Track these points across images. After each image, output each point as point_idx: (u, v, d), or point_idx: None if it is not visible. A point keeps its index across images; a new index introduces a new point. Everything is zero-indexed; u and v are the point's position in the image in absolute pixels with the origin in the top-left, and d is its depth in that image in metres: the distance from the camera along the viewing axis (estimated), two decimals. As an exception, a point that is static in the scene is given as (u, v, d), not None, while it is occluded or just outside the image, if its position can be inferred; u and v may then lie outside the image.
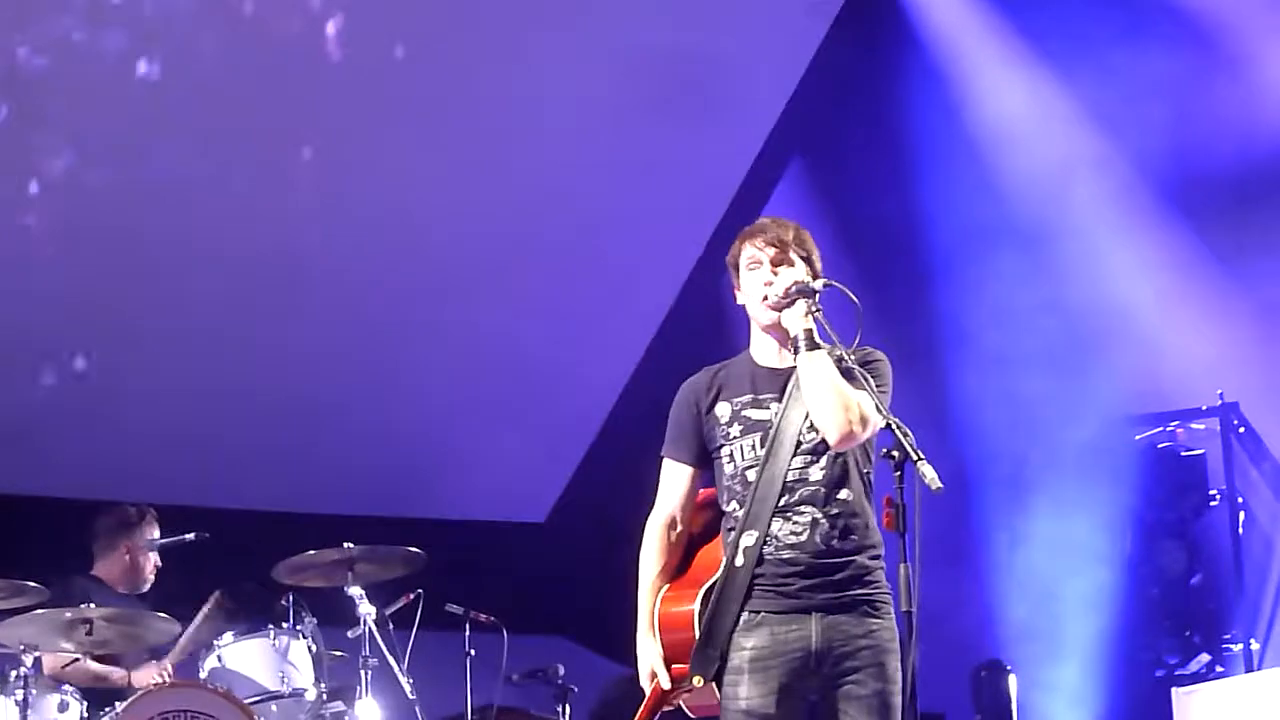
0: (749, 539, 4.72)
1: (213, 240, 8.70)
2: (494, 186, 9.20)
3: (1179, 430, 9.20)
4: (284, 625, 7.05)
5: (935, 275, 9.62)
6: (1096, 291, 9.38)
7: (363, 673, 6.92)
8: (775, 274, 4.82)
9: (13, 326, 8.48)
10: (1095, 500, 9.05)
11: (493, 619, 8.13)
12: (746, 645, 4.70)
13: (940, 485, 4.40)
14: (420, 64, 8.81)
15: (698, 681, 4.74)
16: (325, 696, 6.99)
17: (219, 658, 6.94)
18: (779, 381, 4.82)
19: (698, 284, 9.63)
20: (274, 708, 6.90)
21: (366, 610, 6.96)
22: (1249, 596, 8.90)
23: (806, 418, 4.75)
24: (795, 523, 4.72)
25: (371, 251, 9.09)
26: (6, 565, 6.72)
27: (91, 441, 8.78)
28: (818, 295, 4.75)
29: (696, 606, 4.77)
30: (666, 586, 4.87)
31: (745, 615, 4.72)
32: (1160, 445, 9.19)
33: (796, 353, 4.72)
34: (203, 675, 6.90)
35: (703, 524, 4.95)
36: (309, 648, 7.03)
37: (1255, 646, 8.77)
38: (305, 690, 6.94)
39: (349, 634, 7.03)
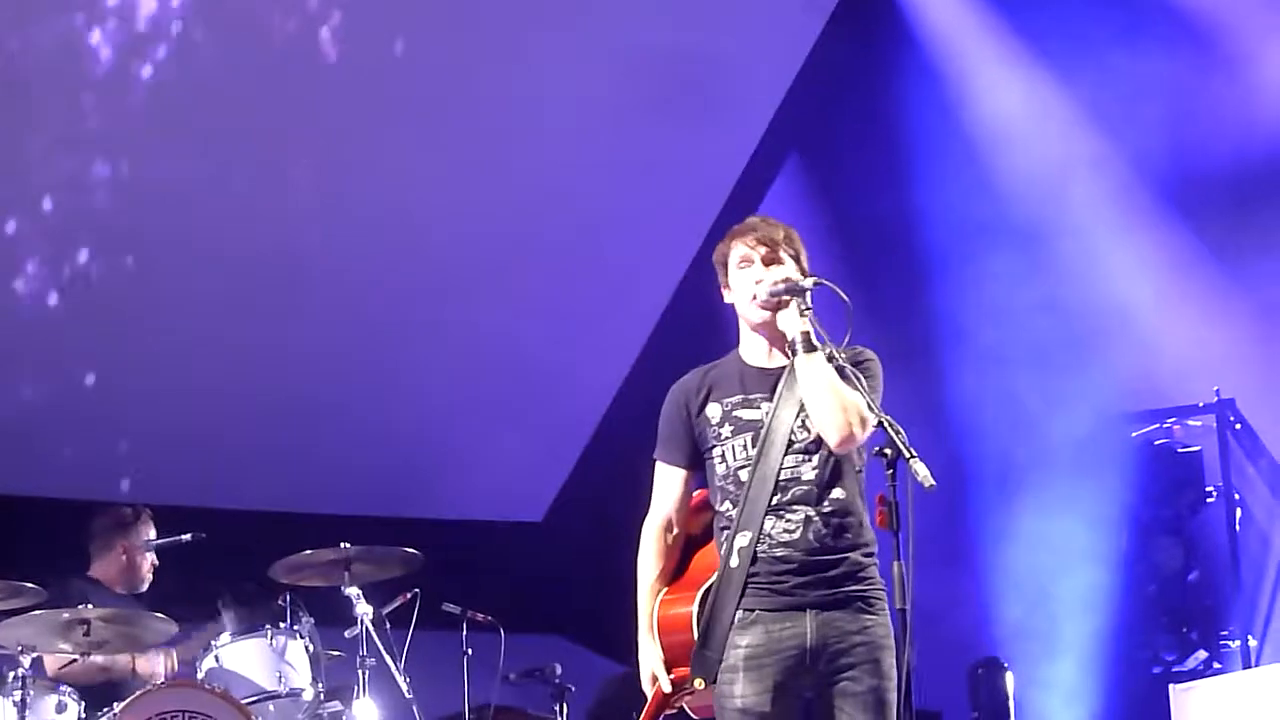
0: (743, 539, 4.73)
1: (211, 239, 8.70)
2: (491, 187, 9.21)
3: (1176, 427, 9.21)
4: (281, 625, 7.04)
5: (931, 273, 9.63)
6: (1093, 290, 9.39)
7: (360, 672, 6.92)
8: (766, 273, 4.82)
9: (11, 326, 8.49)
10: (1092, 497, 9.05)
11: (490, 618, 8.14)
12: (741, 643, 4.71)
13: (933, 483, 4.41)
14: (419, 64, 8.82)
15: (699, 684, 4.74)
16: (322, 696, 6.99)
17: (216, 658, 6.93)
18: (769, 381, 4.83)
19: (693, 283, 9.63)
20: (271, 708, 6.89)
21: (364, 610, 6.96)
22: (1246, 593, 8.90)
23: (798, 416, 4.76)
24: (788, 521, 4.73)
25: (369, 251, 9.10)
26: (4, 566, 6.72)
27: (89, 442, 8.78)
28: (808, 294, 4.75)
29: (695, 609, 4.78)
30: (665, 589, 4.88)
31: (740, 614, 4.72)
32: (1157, 442, 9.19)
33: (794, 354, 4.72)
34: (200, 675, 6.90)
35: (700, 526, 4.95)
36: (306, 647, 7.03)
37: (1253, 643, 8.77)
38: (302, 690, 6.94)
39: (346, 634, 7.03)
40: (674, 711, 4.88)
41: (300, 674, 6.97)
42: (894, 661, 4.75)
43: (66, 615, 6.51)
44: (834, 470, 4.76)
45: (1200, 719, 7.60)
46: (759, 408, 4.81)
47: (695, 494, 4.97)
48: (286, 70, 8.61)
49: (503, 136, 9.15)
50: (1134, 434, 9.21)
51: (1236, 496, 8.97)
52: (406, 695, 7.03)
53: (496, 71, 8.98)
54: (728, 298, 4.94)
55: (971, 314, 9.39)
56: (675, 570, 4.93)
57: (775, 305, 4.79)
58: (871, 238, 9.60)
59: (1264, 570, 9.05)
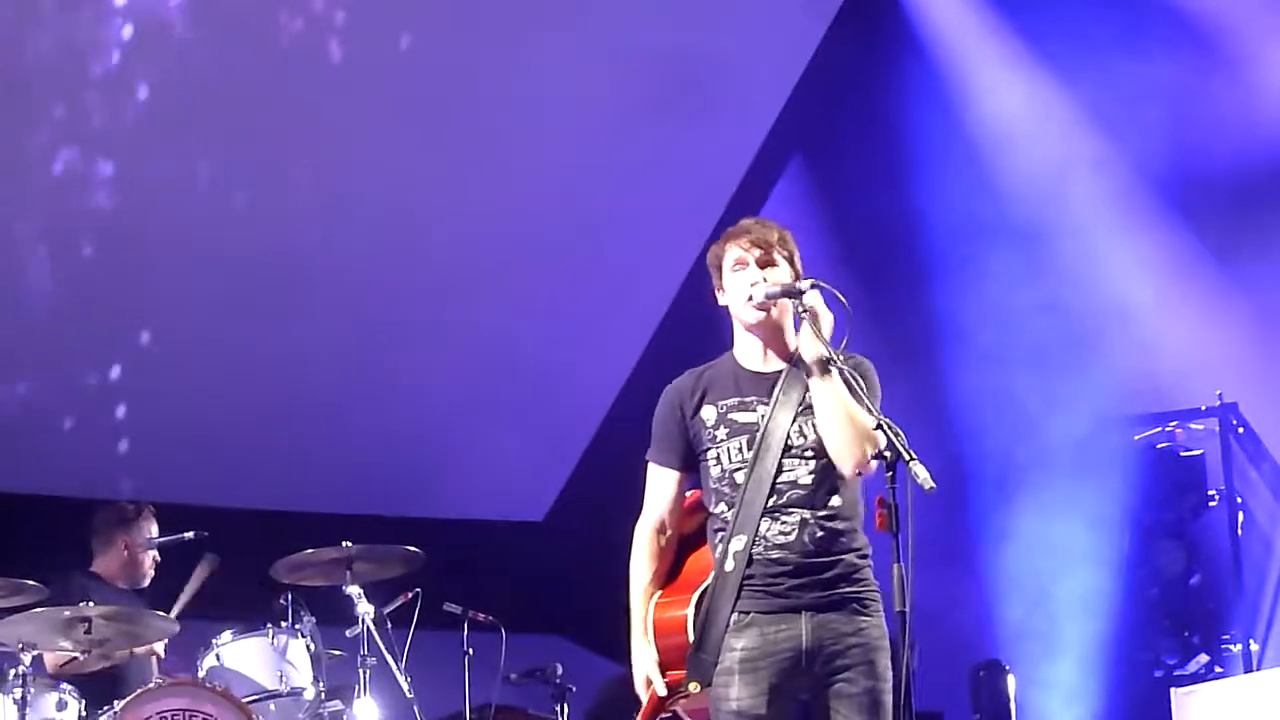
0: (738, 543, 4.72)
1: (212, 238, 8.70)
2: (492, 187, 9.21)
3: (1178, 430, 9.20)
4: (282, 624, 7.04)
5: (933, 274, 9.63)
6: (1095, 291, 9.38)
7: (361, 672, 6.91)
8: (761, 275, 4.81)
9: (12, 326, 8.49)
10: (1093, 500, 9.04)
11: (491, 618, 8.13)
12: (737, 646, 4.70)
13: (933, 485, 4.40)
14: (420, 64, 8.82)
15: (694, 687, 4.73)
16: (323, 695, 6.99)
17: (217, 656, 6.94)
18: (765, 384, 4.82)
19: (695, 284, 9.57)
20: (272, 706, 6.89)
21: (365, 609, 6.94)
22: (1248, 597, 8.89)
23: (795, 420, 4.76)
24: (784, 523, 4.73)
25: (370, 251, 9.10)
26: (5, 563, 6.72)
27: (91, 439, 8.78)
28: (804, 296, 4.74)
29: (690, 612, 4.76)
30: (659, 592, 4.86)
31: (735, 616, 4.71)
32: (1159, 445, 9.19)
33: (809, 375, 4.70)
34: (201, 674, 6.90)
35: (693, 527, 4.94)
36: (307, 646, 7.03)
37: (1254, 647, 8.77)
38: (303, 689, 6.94)
39: (347, 633, 7.02)
40: (669, 715, 4.87)
41: (301, 673, 6.97)
42: (889, 663, 4.75)
43: (68, 613, 6.51)
44: (829, 474, 4.76)
45: (1201, 722, 7.61)
46: (755, 410, 4.80)
47: (688, 495, 4.97)
48: (287, 71, 8.61)
49: (504, 137, 9.15)
50: (1136, 437, 9.21)
51: (1239, 500, 8.97)
52: (407, 695, 7.03)
53: (497, 72, 8.98)
54: (721, 300, 4.93)
55: (972, 315, 9.38)
56: (669, 573, 4.92)
57: (777, 307, 4.79)
58: (873, 238, 9.61)
59: (1266, 574, 9.04)
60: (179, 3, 8.23)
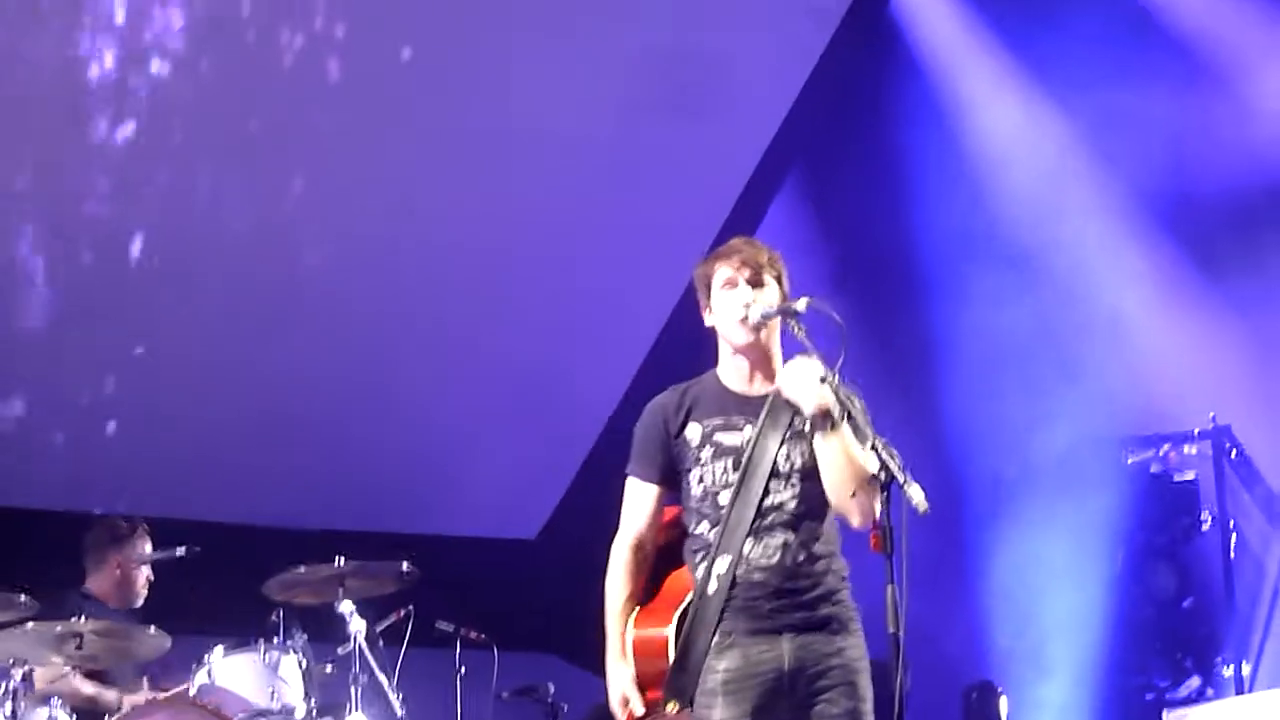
0: (722, 564, 4.72)
1: (207, 255, 8.70)
2: (487, 206, 9.21)
3: (1171, 453, 9.21)
4: (274, 640, 7.03)
5: (927, 293, 9.64)
6: (1089, 312, 9.40)
7: (353, 689, 6.90)
8: (752, 295, 4.81)
9: (6, 340, 8.48)
10: (1086, 522, 9.06)
11: (483, 636, 8.14)
12: (719, 667, 4.70)
13: (927, 507, 4.40)
14: (418, 76, 8.82)
15: (672, 708, 4.72)
16: (315, 712, 6.97)
17: (209, 673, 6.92)
18: (751, 406, 4.82)
19: (691, 301, 9.58)
20: (263, 723, 6.89)
21: (357, 626, 6.94)
22: (1240, 620, 8.90)
23: (782, 445, 4.76)
24: (767, 545, 4.73)
25: (365, 268, 9.09)
26: (-3, 577, 6.71)
27: (84, 454, 8.77)
28: (799, 315, 4.74)
29: (671, 632, 4.75)
30: (637, 611, 4.84)
31: (717, 637, 4.71)
32: (1152, 468, 9.20)
33: (813, 431, 4.68)
34: (192, 691, 6.88)
35: (665, 542, 4.91)
36: (299, 663, 7.02)
37: (1246, 670, 8.77)
38: (295, 706, 6.91)
39: (339, 650, 7.02)
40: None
41: (293, 690, 6.95)
42: (869, 683, 4.76)
43: (59, 628, 6.50)
44: (813, 498, 4.76)
45: (1193, 745, 7.61)
46: (740, 431, 4.80)
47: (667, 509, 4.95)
48: (286, 85, 8.61)
49: (501, 152, 9.14)
50: (1129, 459, 9.22)
51: (1231, 523, 8.98)
52: (399, 713, 7.02)
53: (495, 83, 8.98)
54: (708, 320, 4.93)
55: (965, 334, 9.40)
56: (646, 589, 4.89)
57: (761, 326, 4.79)
58: (868, 255, 9.63)
59: (1258, 597, 9.05)
60: (177, 17, 8.22)
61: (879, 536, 4.50)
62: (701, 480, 4.80)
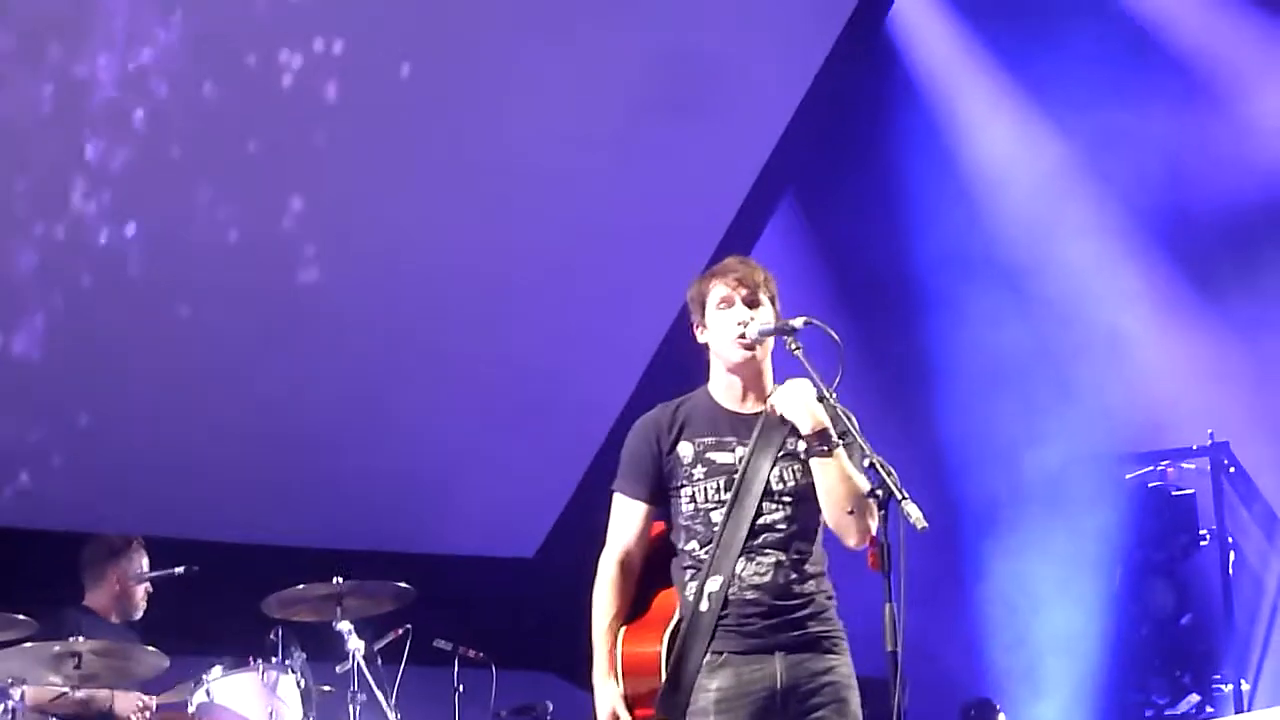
0: (714, 583, 4.72)
1: (205, 272, 8.70)
2: (484, 229, 9.22)
3: (1169, 469, 9.23)
4: (273, 660, 7.03)
5: (923, 311, 9.66)
6: (1087, 330, 9.42)
7: (351, 708, 6.90)
8: (749, 314, 4.80)
9: (4, 360, 8.48)
10: (1084, 539, 9.07)
11: (481, 655, 8.13)
12: (711, 686, 4.69)
13: (925, 524, 4.39)
14: (413, 90, 8.82)
15: None
16: (313, 731, 6.98)
17: (207, 692, 6.91)
18: (743, 425, 4.81)
19: (689, 320, 9.63)
20: (262, 742, 6.88)
21: (355, 645, 6.93)
22: (1239, 637, 8.91)
23: (775, 465, 4.75)
24: (759, 564, 4.73)
25: (364, 284, 9.09)
26: (-3, 598, 6.72)
27: (82, 473, 8.77)
28: (797, 333, 4.74)
29: (663, 649, 4.74)
30: (625, 627, 4.82)
31: (709, 656, 4.70)
32: (1151, 484, 9.21)
33: (810, 452, 4.69)
34: (191, 710, 6.87)
35: (650, 559, 4.88)
36: (298, 682, 7.02)
37: (1245, 687, 8.77)
38: (293, 725, 6.93)
39: (337, 669, 7.01)
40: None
41: (291, 709, 6.95)
42: (859, 701, 4.76)
43: (57, 648, 6.50)
44: (804, 518, 4.77)
45: (1192, 762, 7.61)
46: (733, 451, 4.79)
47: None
48: (282, 104, 8.62)
49: (499, 168, 9.15)
50: (1128, 476, 9.23)
51: (1230, 540, 8.99)
52: (397, 731, 7.02)
53: (493, 97, 8.99)
54: (701, 337, 4.91)
55: (962, 352, 9.41)
56: (634, 606, 4.86)
57: (755, 344, 4.78)
58: (864, 273, 9.64)
59: (1257, 614, 9.05)
60: (179, 37, 8.23)
61: (877, 554, 4.50)
62: (693, 499, 4.79)
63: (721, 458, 4.79)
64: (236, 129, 8.54)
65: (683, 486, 4.81)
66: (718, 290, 4.87)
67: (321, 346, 9.10)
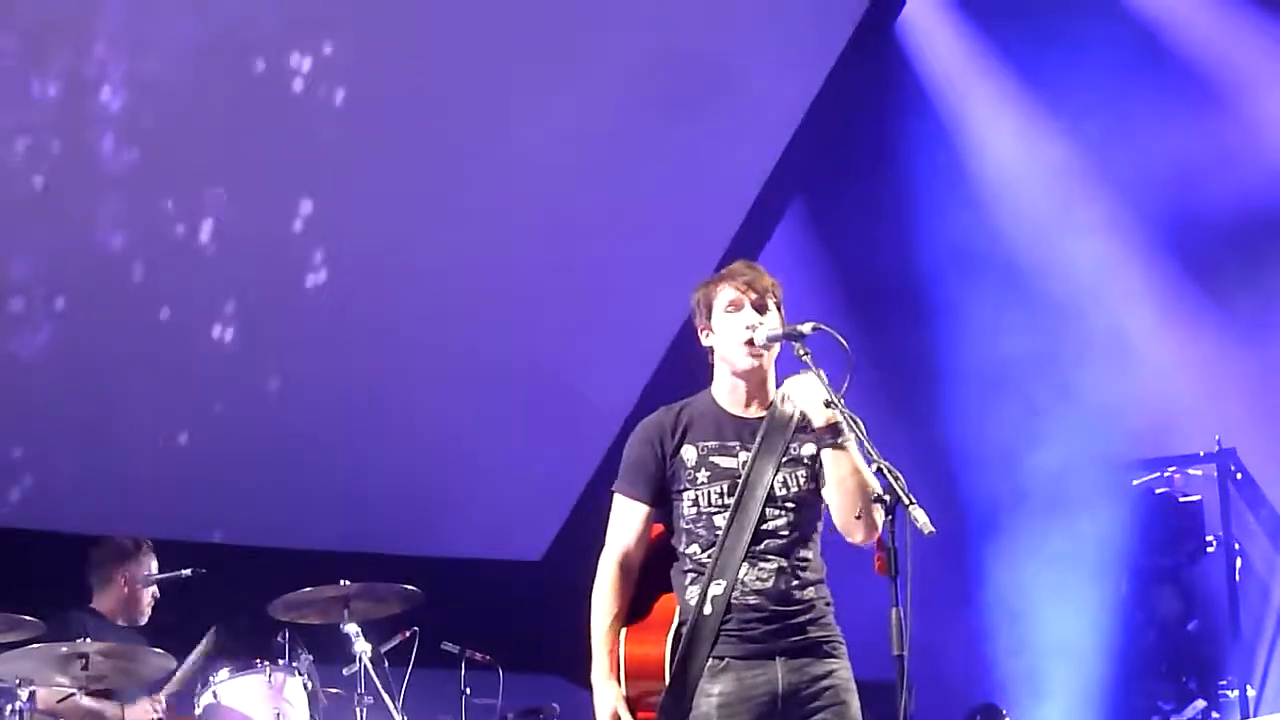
0: (717, 587, 4.71)
1: (208, 273, 8.71)
2: (490, 226, 9.23)
3: (1176, 476, 9.23)
4: (279, 662, 7.03)
5: (934, 316, 9.66)
6: (1094, 335, 9.41)
7: (358, 710, 6.89)
8: (757, 318, 4.80)
9: (10, 364, 8.49)
10: (1091, 545, 9.06)
11: (488, 657, 8.13)
12: (713, 691, 4.69)
13: (932, 529, 4.39)
14: (419, 93, 8.83)
15: None
16: (320, 734, 6.99)
17: (214, 694, 6.92)
18: (747, 429, 4.81)
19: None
20: (269, 745, 6.89)
21: (362, 648, 6.92)
22: (1245, 642, 8.90)
23: (778, 471, 4.76)
24: (762, 569, 4.73)
25: (369, 286, 9.10)
26: (3, 599, 6.71)
27: (89, 476, 8.78)
28: (805, 338, 4.74)
29: (667, 652, 4.74)
30: (626, 630, 4.81)
31: (710, 661, 4.71)
32: (1158, 490, 9.21)
33: (819, 447, 4.70)
34: (198, 712, 6.89)
35: (649, 561, 4.88)
36: (304, 685, 7.02)
37: (1251, 693, 8.77)
38: (300, 728, 6.93)
39: (344, 671, 7.01)
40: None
41: (298, 711, 6.96)
42: (859, 705, 4.76)
43: (65, 649, 6.50)
44: (805, 524, 4.78)
45: (1198, 768, 7.61)
46: (736, 455, 4.79)
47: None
48: (285, 100, 8.61)
49: (501, 169, 9.16)
50: (1135, 481, 9.23)
51: (1236, 546, 8.99)
52: (404, 734, 7.02)
53: (501, 96, 8.99)
54: (706, 340, 4.90)
55: (969, 357, 9.40)
56: (634, 608, 4.85)
57: (763, 351, 4.78)
58: (871, 277, 9.64)
59: (1263, 620, 9.05)
60: (187, 41, 8.24)
61: (883, 558, 4.50)
62: (696, 502, 4.79)
63: (725, 462, 4.79)
64: (246, 133, 8.55)
65: (685, 490, 4.80)
66: (725, 294, 4.87)
67: (327, 349, 9.11)
